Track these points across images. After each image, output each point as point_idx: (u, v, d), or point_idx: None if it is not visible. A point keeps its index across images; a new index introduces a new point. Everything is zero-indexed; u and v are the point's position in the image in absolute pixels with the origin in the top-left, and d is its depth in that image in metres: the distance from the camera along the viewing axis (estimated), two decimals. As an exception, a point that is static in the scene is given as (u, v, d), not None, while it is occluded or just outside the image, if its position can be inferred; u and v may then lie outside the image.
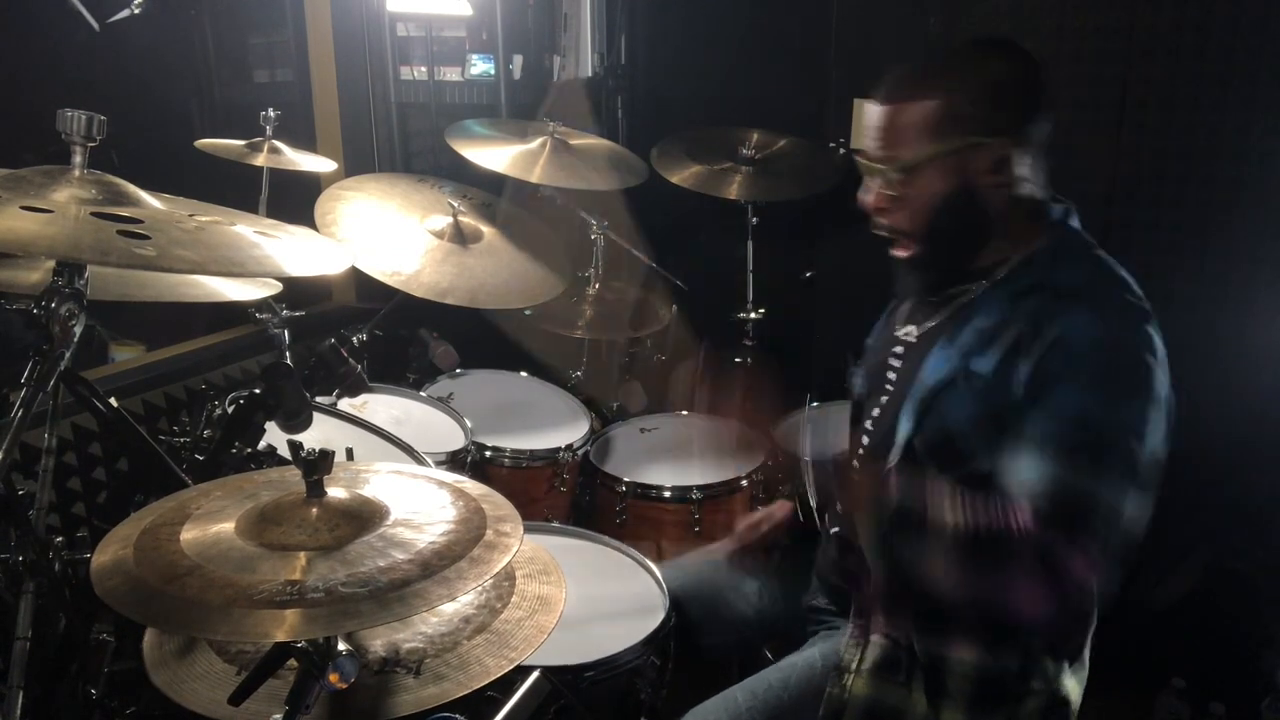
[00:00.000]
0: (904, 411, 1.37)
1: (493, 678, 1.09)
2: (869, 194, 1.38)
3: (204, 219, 1.17)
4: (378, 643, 1.14)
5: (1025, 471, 1.19)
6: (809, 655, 1.51)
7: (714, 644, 1.73)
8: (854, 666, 1.40)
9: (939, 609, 1.31)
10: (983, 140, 1.28)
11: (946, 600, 1.20)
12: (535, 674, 1.32)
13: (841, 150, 2.81)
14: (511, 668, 1.11)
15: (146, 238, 1.04)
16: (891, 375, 1.47)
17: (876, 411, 1.47)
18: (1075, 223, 1.38)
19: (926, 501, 1.21)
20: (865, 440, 1.49)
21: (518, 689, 1.30)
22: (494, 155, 2.48)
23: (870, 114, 1.35)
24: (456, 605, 1.20)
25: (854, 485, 1.39)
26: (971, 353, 1.31)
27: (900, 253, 1.39)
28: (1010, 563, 1.15)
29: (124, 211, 1.10)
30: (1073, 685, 1.39)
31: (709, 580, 1.76)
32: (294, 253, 1.19)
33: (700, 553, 1.84)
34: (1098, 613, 1.33)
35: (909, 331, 1.47)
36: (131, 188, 1.17)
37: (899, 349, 1.47)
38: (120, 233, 1.03)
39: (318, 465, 1.03)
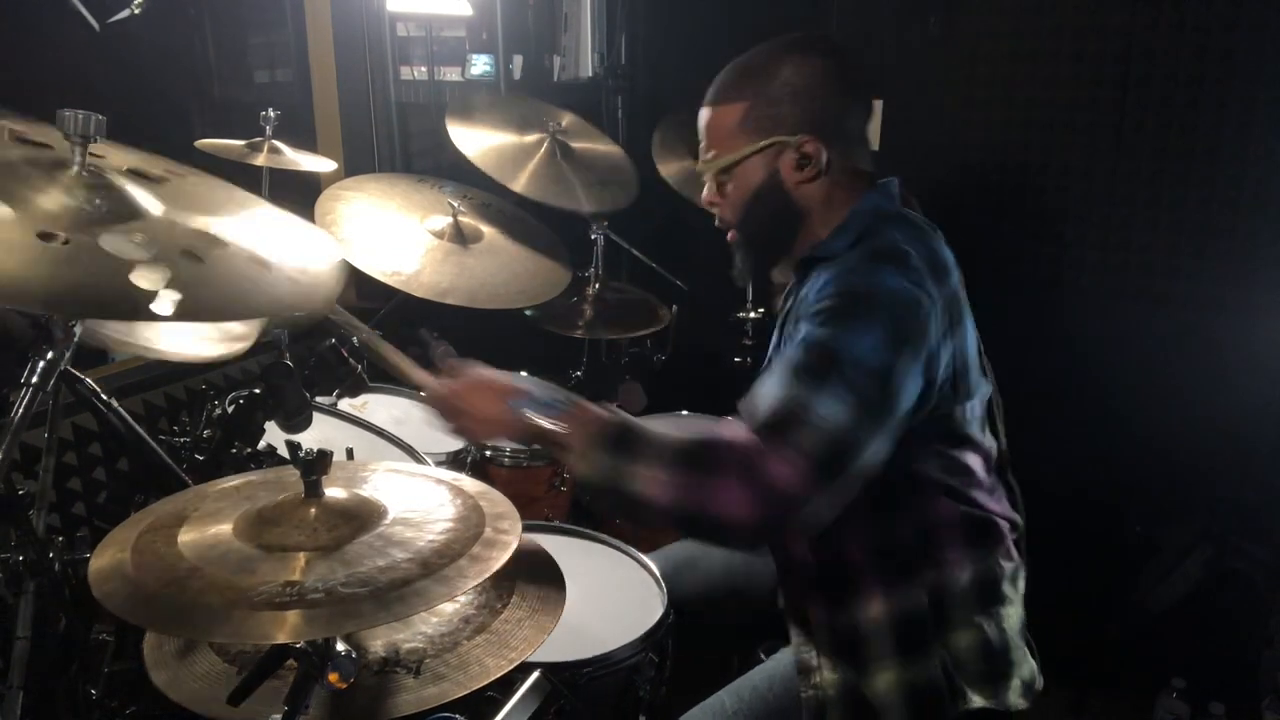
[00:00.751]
0: None
1: (493, 678, 1.09)
2: (705, 192, 1.49)
3: (204, 226, 1.14)
4: (378, 643, 1.14)
5: (754, 391, 1.23)
6: (789, 655, 1.52)
7: (710, 640, 1.74)
8: (815, 664, 1.42)
9: (839, 581, 1.36)
10: (785, 139, 1.37)
11: (656, 512, 1.18)
12: (535, 674, 1.32)
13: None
14: (512, 668, 1.11)
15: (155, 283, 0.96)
16: None
17: None
18: (888, 195, 1.41)
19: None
20: None
21: (517, 689, 1.30)
22: (485, 145, 2.44)
23: (700, 117, 1.46)
24: (456, 605, 1.20)
25: None
26: (779, 338, 1.45)
27: (730, 239, 1.50)
28: (715, 468, 1.14)
29: (133, 236, 1.04)
30: (1011, 613, 1.42)
31: (703, 566, 1.78)
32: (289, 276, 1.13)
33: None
34: (1009, 532, 1.42)
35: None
36: (130, 192, 1.15)
37: None
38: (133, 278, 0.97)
39: (315, 465, 1.03)
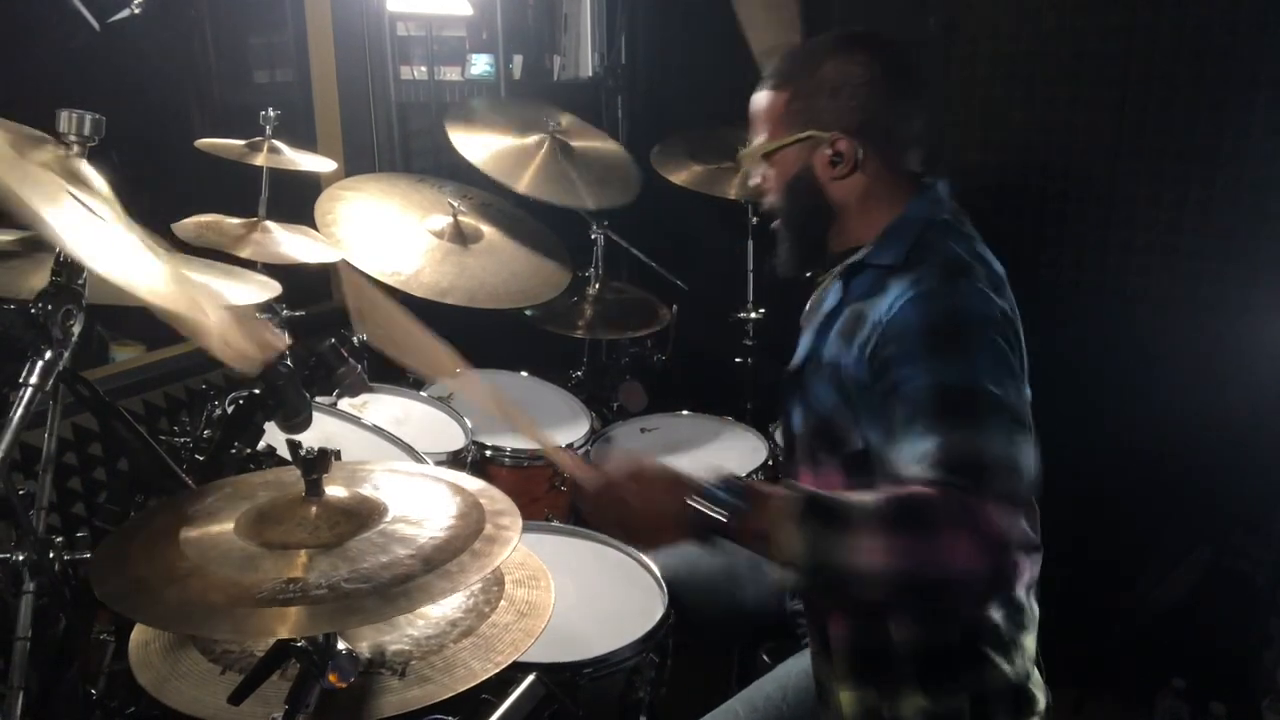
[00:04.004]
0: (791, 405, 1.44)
1: (478, 680, 1.09)
2: (751, 176, 1.50)
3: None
4: (363, 644, 1.14)
5: (909, 452, 1.16)
6: (804, 661, 1.51)
7: (711, 640, 1.73)
8: (829, 680, 1.40)
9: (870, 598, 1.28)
10: (819, 134, 1.36)
11: (878, 583, 1.11)
12: (530, 677, 1.31)
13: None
14: (500, 669, 1.10)
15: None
16: (792, 366, 1.52)
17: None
18: (931, 199, 1.39)
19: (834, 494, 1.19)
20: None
21: (512, 692, 1.29)
22: (486, 148, 2.44)
23: (751, 99, 1.46)
24: (444, 609, 1.20)
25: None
26: (820, 338, 1.39)
27: (773, 225, 1.49)
28: (934, 522, 1.09)
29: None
30: (1029, 642, 1.39)
31: (705, 567, 1.76)
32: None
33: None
34: (1039, 557, 1.34)
35: (804, 317, 1.55)
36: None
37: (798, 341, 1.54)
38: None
39: (316, 464, 1.03)
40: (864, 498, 1.13)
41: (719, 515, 1.14)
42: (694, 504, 1.14)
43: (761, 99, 1.43)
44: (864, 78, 1.35)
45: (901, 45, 1.40)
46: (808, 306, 1.56)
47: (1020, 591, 1.39)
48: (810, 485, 1.37)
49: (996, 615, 1.34)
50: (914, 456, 1.15)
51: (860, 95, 1.35)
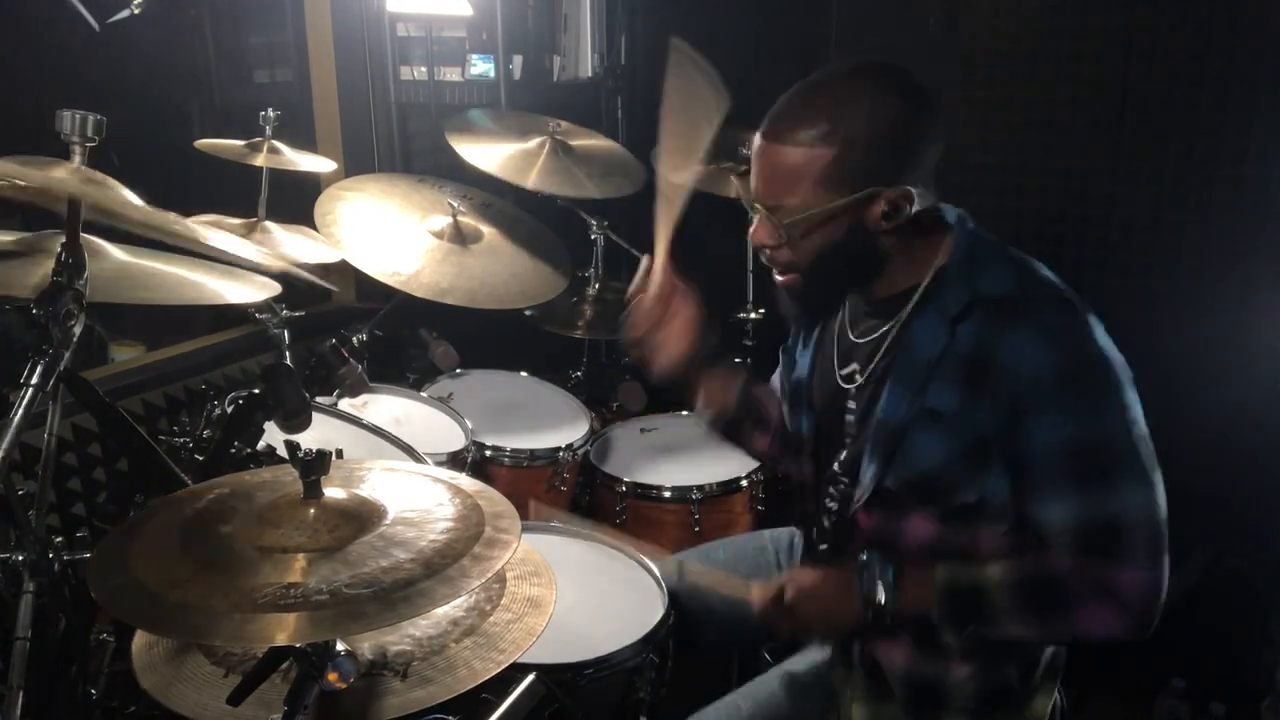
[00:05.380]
0: (866, 455, 1.33)
1: (480, 680, 1.09)
2: (754, 228, 1.33)
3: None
4: (365, 645, 1.13)
5: (1048, 514, 1.20)
6: (810, 659, 1.51)
7: (712, 640, 1.73)
8: (847, 694, 1.41)
9: (932, 633, 1.30)
10: (878, 190, 1.22)
11: (1029, 641, 1.27)
12: (530, 677, 1.31)
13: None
14: (501, 669, 1.10)
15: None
16: (850, 419, 1.41)
17: (844, 455, 1.42)
18: (970, 222, 1.35)
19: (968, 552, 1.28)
20: (837, 488, 1.44)
21: (512, 692, 1.29)
22: (490, 153, 2.46)
23: (756, 147, 1.28)
24: (446, 608, 1.19)
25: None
26: (924, 388, 1.27)
27: (782, 281, 1.36)
28: (1068, 601, 1.19)
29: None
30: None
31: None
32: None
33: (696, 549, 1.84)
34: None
35: (852, 371, 1.40)
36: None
37: (850, 393, 1.40)
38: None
39: (315, 466, 1.03)
40: (998, 576, 1.22)
41: (882, 600, 1.27)
42: (862, 593, 1.28)
43: (784, 156, 1.23)
44: (915, 120, 1.23)
45: (919, 79, 1.26)
46: (865, 361, 1.38)
47: None
48: (878, 524, 1.36)
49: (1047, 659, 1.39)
50: (1052, 522, 1.20)
51: (914, 142, 1.23)
